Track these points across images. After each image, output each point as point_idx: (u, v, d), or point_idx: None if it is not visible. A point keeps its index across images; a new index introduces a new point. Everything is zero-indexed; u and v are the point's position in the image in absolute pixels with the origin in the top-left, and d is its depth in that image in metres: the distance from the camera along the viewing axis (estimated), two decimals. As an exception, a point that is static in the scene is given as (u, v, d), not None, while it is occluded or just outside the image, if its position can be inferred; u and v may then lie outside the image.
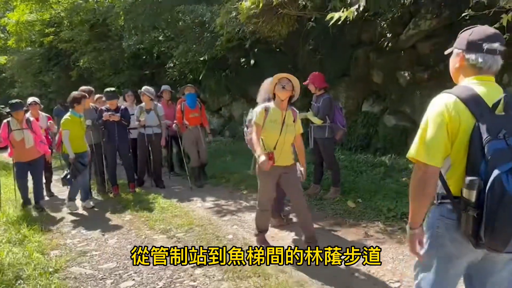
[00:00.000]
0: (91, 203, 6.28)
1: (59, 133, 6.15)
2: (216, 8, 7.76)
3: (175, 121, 7.25)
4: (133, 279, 3.78)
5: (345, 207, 5.36)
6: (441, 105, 1.76)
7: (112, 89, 6.95)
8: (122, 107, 6.91)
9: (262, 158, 3.73)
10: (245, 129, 4.81)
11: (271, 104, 4.00)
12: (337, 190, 5.70)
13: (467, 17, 4.26)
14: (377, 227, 4.66)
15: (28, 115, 6.43)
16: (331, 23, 4.34)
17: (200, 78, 10.58)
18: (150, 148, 7.37)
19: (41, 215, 5.91)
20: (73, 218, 5.83)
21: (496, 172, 1.59)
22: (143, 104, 7.22)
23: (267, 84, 4.65)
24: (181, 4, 8.76)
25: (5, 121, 5.95)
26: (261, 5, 5.54)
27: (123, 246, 4.60)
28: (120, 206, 6.21)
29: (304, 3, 5.67)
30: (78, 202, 6.33)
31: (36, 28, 14.56)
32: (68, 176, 5.94)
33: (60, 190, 7.58)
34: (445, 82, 6.48)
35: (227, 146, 10.28)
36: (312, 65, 8.48)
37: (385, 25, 6.95)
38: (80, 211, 6.18)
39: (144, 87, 7.27)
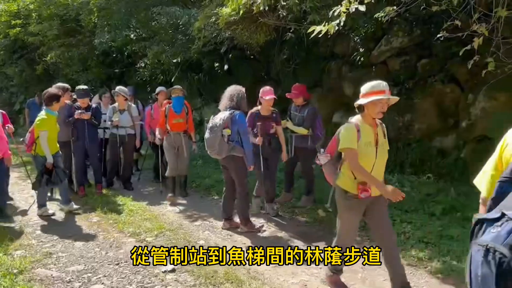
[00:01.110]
0: (74, 205, 5.82)
1: (30, 132, 5.58)
2: (194, 11, 7.70)
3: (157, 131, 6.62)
4: (103, 283, 3.68)
5: (316, 216, 5.43)
6: None
7: (84, 87, 6.70)
8: (93, 105, 6.72)
9: (389, 188, 3.00)
10: (206, 135, 4.75)
11: (354, 120, 3.28)
12: (309, 199, 5.77)
13: (441, 38, 4.44)
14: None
15: None
16: (312, 36, 4.40)
17: (172, 80, 10.46)
18: (122, 149, 7.17)
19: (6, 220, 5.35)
20: (37, 218, 5.59)
21: None
22: (116, 104, 7.00)
23: (231, 91, 4.80)
24: (157, 5, 8.65)
25: None
26: (241, 12, 5.56)
27: (91, 249, 4.47)
28: (87, 207, 6.02)
29: (284, 13, 5.73)
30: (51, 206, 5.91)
31: (2, 19, 13.94)
32: (43, 181, 5.40)
33: (21, 189, 7.26)
34: (412, 98, 6.71)
35: (197, 150, 10.17)
36: (285, 75, 8.59)
37: (358, 40, 7.12)
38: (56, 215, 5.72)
39: (118, 87, 7.04)
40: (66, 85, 6.68)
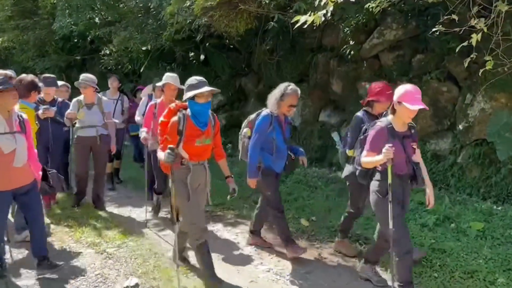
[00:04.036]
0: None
1: None
2: (166, -6, 7.65)
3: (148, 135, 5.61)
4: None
5: (298, 225, 5.46)
6: None
7: (52, 75, 6.10)
8: (59, 99, 6.14)
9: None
10: None
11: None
12: None
13: (437, 32, 4.50)
14: (331, 249, 4.78)
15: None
16: (296, 26, 4.41)
17: (140, 69, 10.36)
18: (91, 154, 6.19)
19: None
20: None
21: None
22: (81, 96, 6.06)
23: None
24: (125, -15, 8.56)
25: None
26: (219, -3, 5.54)
27: (43, 261, 4.37)
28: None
29: (267, 0, 5.72)
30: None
31: None
32: None
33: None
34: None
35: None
36: (267, 67, 8.60)
37: (348, 32, 7.15)
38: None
39: (83, 75, 6.09)
40: (9, 72, 6.36)
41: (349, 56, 7.08)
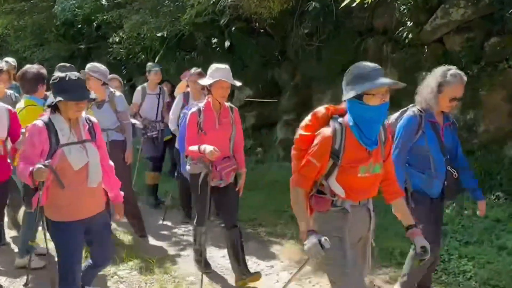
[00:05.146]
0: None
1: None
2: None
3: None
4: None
5: (345, 246, 5.35)
6: None
7: (69, 64, 5.88)
8: None
9: None
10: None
11: None
12: None
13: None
14: (386, 275, 4.72)
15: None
16: (342, 6, 4.36)
17: (155, 59, 10.46)
18: None
19: None
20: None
21: None
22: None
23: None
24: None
25: (40, 122, 3.36)
26: (249, -28, 5.52)
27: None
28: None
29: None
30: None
31: None
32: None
33: None
34: (477, 89, 6.65)
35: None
36: (306, 54, 8.54)
37: (405, 11, 7.06)
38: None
39: (90, 65, 5.59)
40: (10, 60, 6.41)
41: (406, 40, 6.99)
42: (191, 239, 5.77)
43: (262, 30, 9.41)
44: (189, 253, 5.33)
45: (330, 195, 2.90)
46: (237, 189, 4.73)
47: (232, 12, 8.39)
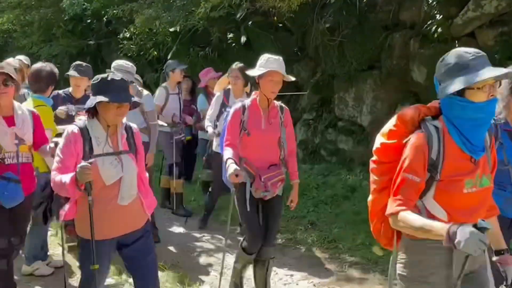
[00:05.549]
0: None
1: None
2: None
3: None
4: None
5: (370, 255, 5.36)
6: None
7: (84, 63, 5.74)
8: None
9: None
10: None
11: None
12: None
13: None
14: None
15: None
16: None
17: (168, 56, 10.49)
18: None
19: None
20: None
21: None
22: None
23: None
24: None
25: (75, 128, 3.24)
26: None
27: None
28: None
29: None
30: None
31: None
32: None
33: None
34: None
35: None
36: (327, 50, 8.50)
37: (434, 3, 7.00)
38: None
39: (116, 62, 5.79)
40: (23, 58, 6.50)
41: (435, 35, 6.92)
42: (205, 245, 5.82)
43: (280, 25, 9.41)
44: (203, 260, 5.35)
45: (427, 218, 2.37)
46: (289, 203, 4.37)
47: (249, 5, 8.38)
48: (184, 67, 7.49)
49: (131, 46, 10.56)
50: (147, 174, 3.56)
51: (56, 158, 3.17)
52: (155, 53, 10.81)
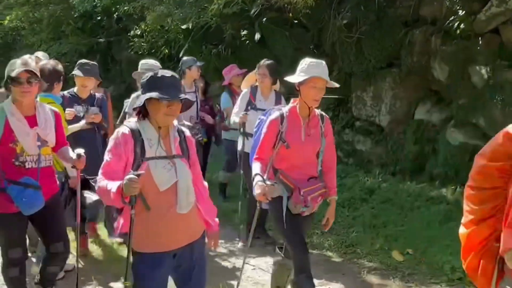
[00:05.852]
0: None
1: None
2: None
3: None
4: None
5: (389, 260, 5.37)
6: None
7: (90, 62, 5.88)
8: (98, 95, 5.89)
9: None
10: None
11: None
12: None
13: None
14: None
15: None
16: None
17: (180, 54, 10.54)
18: None
19: None
20: None
21: None
22: (139, 93, 5.84)
23: None
24: None
25: (126, 129, 3.08)
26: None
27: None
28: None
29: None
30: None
31: None
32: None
33: None
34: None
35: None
36: (344, 47, 8.49)
37: (456, -2, 6.99)
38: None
39: (145, 61, 5.95)
40: (41, 53, 6.42)
41: (458, 31, 6.89)
42: (218, 249, 5.84)
43: (295, 21, 9.40)
44: (217, 265, 5.40)
45: None
46: (324, 222, 4.15)
47: (264, 1, 8.40)
48: (201, 64, 7.47)
49: (142, 43, 10.61)
50: (206, 183, 3.42)
51: (104, 161, 3.03)
52: (167, 51, 10.84)
